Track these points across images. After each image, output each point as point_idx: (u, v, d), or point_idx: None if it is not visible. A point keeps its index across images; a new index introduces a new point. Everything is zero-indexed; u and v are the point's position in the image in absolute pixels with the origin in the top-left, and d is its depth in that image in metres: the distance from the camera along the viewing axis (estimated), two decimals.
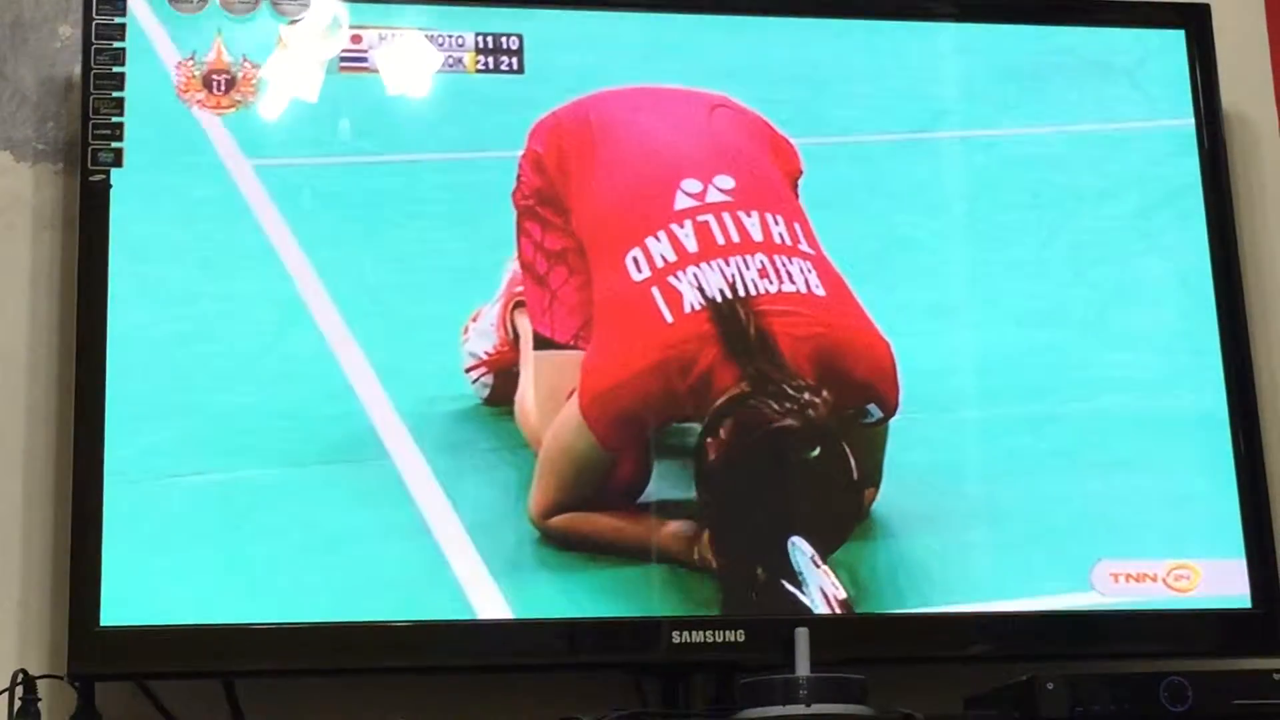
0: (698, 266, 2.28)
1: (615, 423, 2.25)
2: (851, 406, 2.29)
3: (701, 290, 2.27)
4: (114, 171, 2.26)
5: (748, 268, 2.28)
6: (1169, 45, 2.54)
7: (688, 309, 2.27)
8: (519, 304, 2.33)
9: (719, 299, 2.27)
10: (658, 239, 2.28)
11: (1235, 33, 2.64)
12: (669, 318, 2.26)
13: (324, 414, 2.25)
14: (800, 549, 2.25)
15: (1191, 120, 2.51)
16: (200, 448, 2.22)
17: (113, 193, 2.25)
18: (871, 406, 2.31)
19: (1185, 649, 2.32)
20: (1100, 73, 2.53)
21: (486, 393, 2.32)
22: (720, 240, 2.29)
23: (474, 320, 2.32)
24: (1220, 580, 2.35)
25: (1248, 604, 2.35)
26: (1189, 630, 2.34)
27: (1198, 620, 2.34)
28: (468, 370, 2.31)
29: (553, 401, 2.29)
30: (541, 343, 2.32)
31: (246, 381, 2.25)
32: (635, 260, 2.28)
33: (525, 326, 2.32)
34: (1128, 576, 2.34)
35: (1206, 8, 2.57)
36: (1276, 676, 2.13)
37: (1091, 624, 2.32)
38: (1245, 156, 2.64)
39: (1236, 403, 2.41)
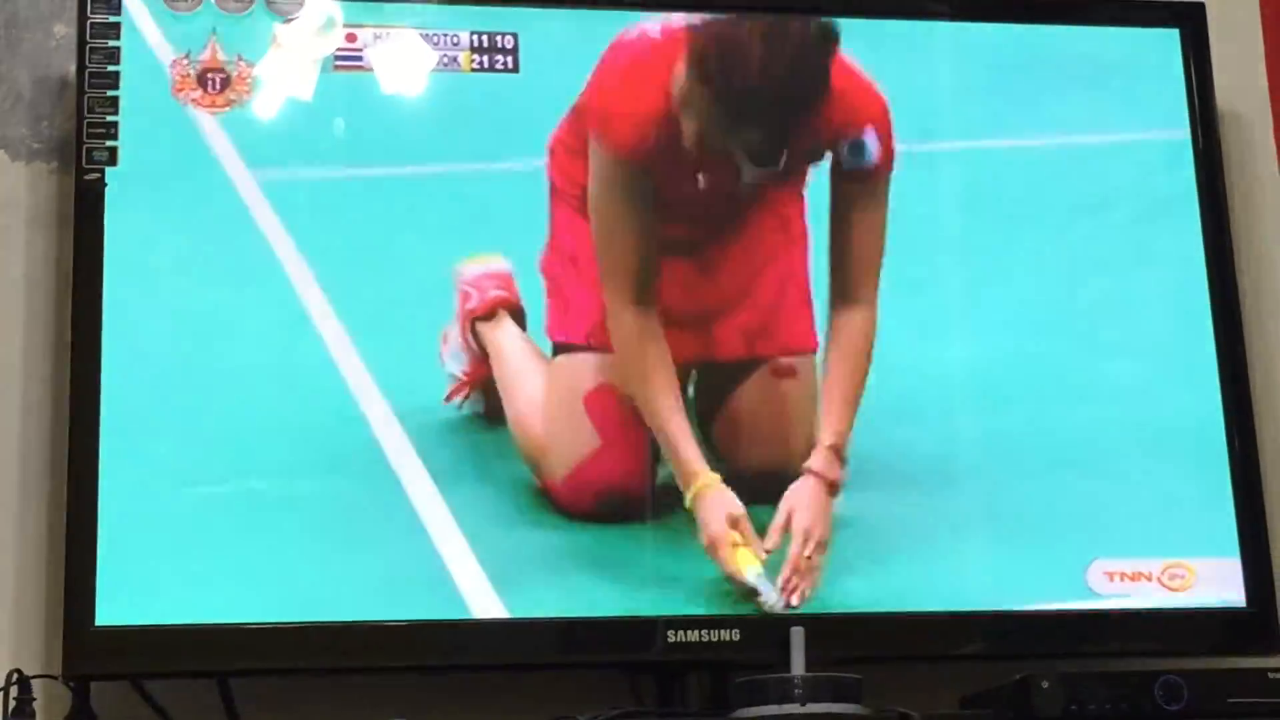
0: None
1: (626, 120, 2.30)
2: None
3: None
4: (109, 170, 2.26)
5: None
6: (1163, 45, 2.54)
7: None
8: (480, 318, 2.33)
9: None
10: None
11: (1230, 32, 2.64)
12: None
13: (324, 423, 2.24)
14: None
15: (1186, 121, 2.50)
16: (200, 435, 2.22)
17: (108, 191, 2.25)
18: (868, 139, 2.32)
19: (1180, 648, 2.32)
20: (1094, 72, 2.53)
21: (481, 408, 2.32)
22: None
23: (445, 342, 2.32)
24: (1215, 579, 2.35)
25: (1243, 603, 2.35)
26: (1184, 629, 2.34)
27: (1193, 619, 2.34)
28: (450, 395, 2.31)
29: (569, 403, 2.30)
30: (558, 349, 2.33)
31: (243, 379, 2.24)
32: None
33: (499, 340, 2.33)
34: (1123, 575, 2.34)
35: (1201, 6, 2.57)
36: (1272, 675, 2.13)
37: (1087, 623, 2.32)
38: (1240, 155, 2.64)
39: (1231, 402, 2.41)
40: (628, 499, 2.29)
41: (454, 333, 2.33)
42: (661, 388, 2.29)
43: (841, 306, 2.35)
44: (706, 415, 2.35)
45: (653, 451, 2.30)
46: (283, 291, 2.28)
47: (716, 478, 2.28)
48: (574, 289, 2.33)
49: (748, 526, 2.27)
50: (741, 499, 2.28)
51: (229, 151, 2.31)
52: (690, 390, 2.35)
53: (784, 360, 2.35)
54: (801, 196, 2.38)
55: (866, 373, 2.34)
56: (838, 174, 2.34)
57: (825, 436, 2.31)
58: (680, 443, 2.28)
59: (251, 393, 2.24)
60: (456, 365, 2.32)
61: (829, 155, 2.34)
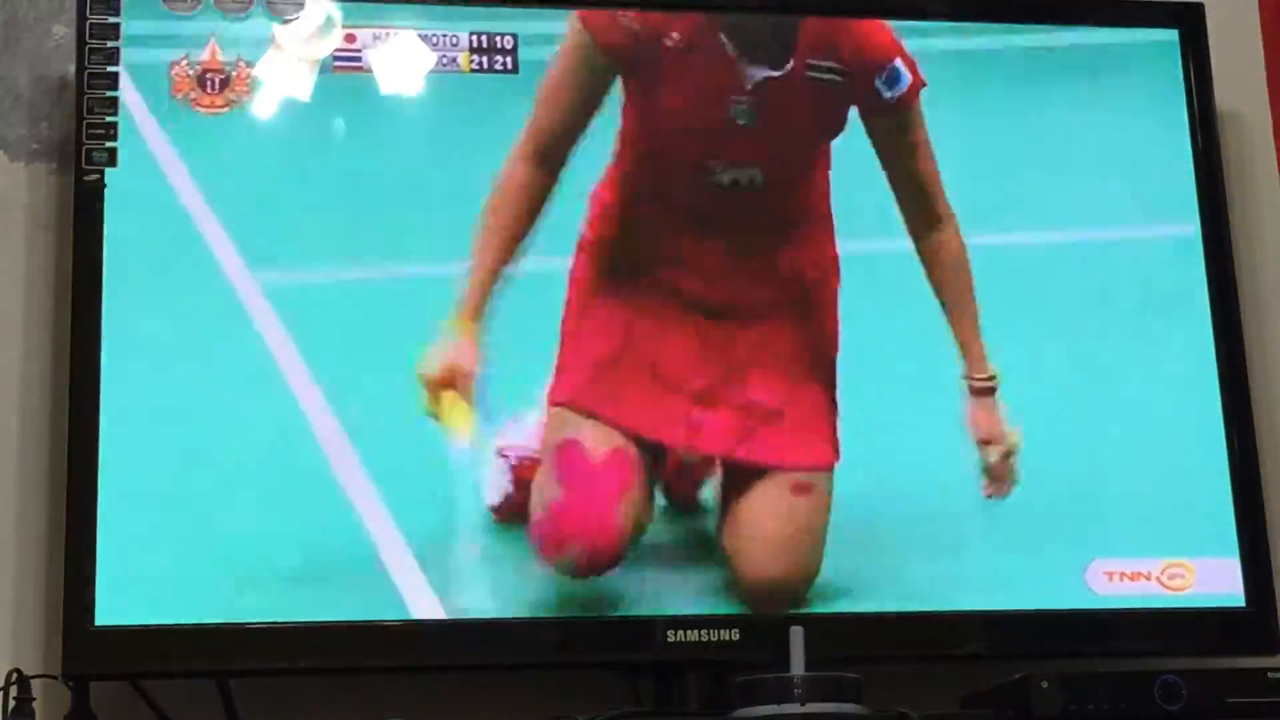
0: None
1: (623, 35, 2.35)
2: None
3: None
4: (108, 171, 2.26)
5: None
6: (1162, 46, 2.54)
7: None
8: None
9: None
10: None
11: (1230, 32, 2.64)
12: None
13: (322, 525, 2.22)
14: None
15: (1196, 209, 2.48)
16: (200, 434, 2.21)
17: (107, 192, 2.25)
18: (899, 64, 2.37)
19: (1179, 647, 2.32)
20: (1093, 75, 2.52)
21: (499, 499, 2.28)
22: None
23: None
24: (1214, 579, 2.35)
25: (1242, 602, 2.35)
26: (1183, 629, 2.34)
27: (1192, 619, 2.34)
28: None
29: (547, 456, 2.28)
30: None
31: (243, 372, 2.24)
32: None
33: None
34: (1122, 575, 2.34)
35: (1200, 7, 2.57)
36: (1271, 675, 2.13)
37: (1086, 622, 2.32)
38: (1240, 156, 2.64)
39: (1230, 400, 2.41)
40: (596, 551, 2.26)
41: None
42: (499, 233, 2.30)
43: (926, 232, 2.37)
44: (718, 517, 2.32)
45: (632, 505, 2.28)
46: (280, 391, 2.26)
47: (474, 329, 2.27)
48: (563, 357, 2.31)
49: (469, 388, 2.25)
50: (747, 604, 2.27)
51: (234, 261, 2.29)
52: (707, 490, 2.33)
53: (801, 477, 2.31)
54: (835, 294, 2.36)
55: (972, 281, 2.37)
56: (878, 114, 2.37)
57: (972, 369, 2.35)
58: (476, 284, 2.28)
59: (254, 391, 2.24)
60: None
61: (854, 112, 2.37)
